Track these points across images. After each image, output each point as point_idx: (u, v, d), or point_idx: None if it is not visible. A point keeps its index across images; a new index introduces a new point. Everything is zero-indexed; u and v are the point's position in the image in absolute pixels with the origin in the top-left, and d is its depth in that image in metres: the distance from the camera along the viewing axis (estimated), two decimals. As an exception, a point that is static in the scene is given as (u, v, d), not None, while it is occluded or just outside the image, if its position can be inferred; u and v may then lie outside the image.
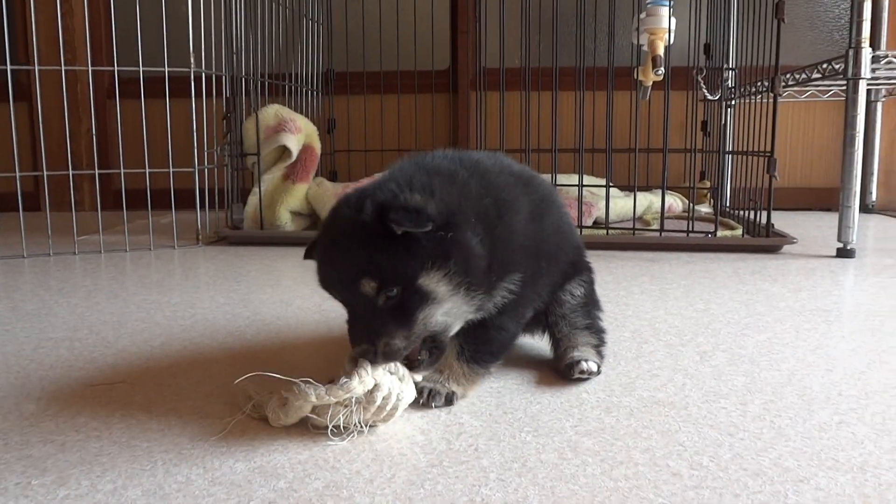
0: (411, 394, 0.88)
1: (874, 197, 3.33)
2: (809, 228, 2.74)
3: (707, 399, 0.98)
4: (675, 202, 2.89)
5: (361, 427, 0.84)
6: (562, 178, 2.45)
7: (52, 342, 1.28)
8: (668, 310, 1.48)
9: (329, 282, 0.90)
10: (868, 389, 1.01)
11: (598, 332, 1.12)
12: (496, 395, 0.99)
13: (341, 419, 0.83)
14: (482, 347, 0.97)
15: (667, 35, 2.06)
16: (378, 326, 0.84)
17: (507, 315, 0.96)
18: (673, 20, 2.08)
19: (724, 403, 0.96)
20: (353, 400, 0.83)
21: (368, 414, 0.84)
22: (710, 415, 0.92)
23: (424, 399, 0.94)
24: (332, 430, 0.84)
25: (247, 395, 0.91)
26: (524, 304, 0.99)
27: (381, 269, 0.83)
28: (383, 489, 0.73)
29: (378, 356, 0.84)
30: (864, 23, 2.03)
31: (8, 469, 0.78)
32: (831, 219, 3.05)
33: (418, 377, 0.91)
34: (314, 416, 0.84)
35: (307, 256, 0.97)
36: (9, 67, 2.10)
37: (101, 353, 1.21)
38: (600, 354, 1.09)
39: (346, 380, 0.82)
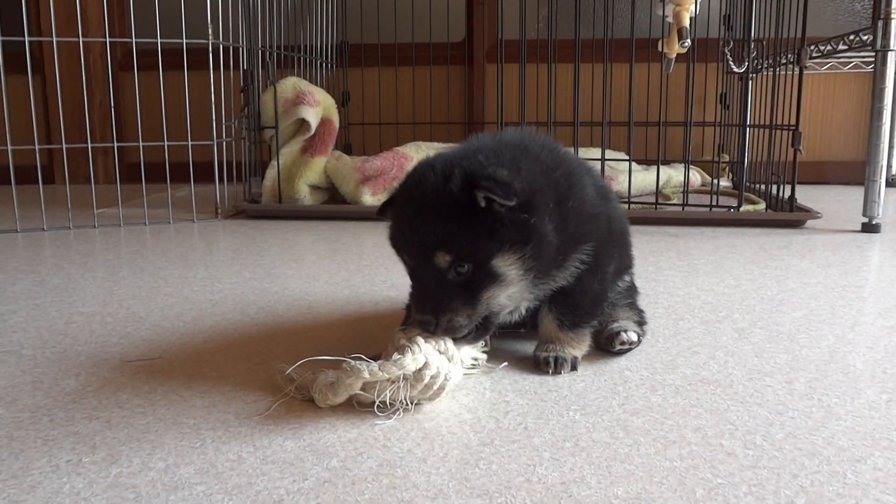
0: (458, 374, 0.88)
1: (894, 171, 3.29)
2: (830, 203, 2.72)
3: (751, 377, 0.97)
4: (695, 176, 2.86)
5: (407, 404, 0.84)
6: (581, 152, 2.43)
7: (84, 317, 1.28)
8: (699, 286, 1.47)
9: (403, 245, 0.89)
10: (912, 367, 1.00)
11: (638, 311, 1.13)
12: (539, 373, 0.98)
13: (388, 395, 0.82)
14: (577, 311, 0.98)
15: (693, 6, 2.02)
16: (445, 301, 0.85)
17: (586, 279, 0.96)
18: (700, -9, 2.04)
19: (769, 381, 0.95)
20: (402, 377, 0.82)
21: (415, 391, 0.83)
22: (757, 393, 0.91)
23: (553, 368, 0.97)
24: (378, 407, 0.84)
25: (288, 377, 0.90)
26: (604, 264, 0.99)
27: (459, 243, 0.83)
28: (437, 468, 0.72)
29: (439, 329, 0.85)
30: (894, -7, 1.99)
31: (57, 446, 0.78)
32: (851, 193, 3.03)
33: (466, 356, 0.91)
34: (361, 392, 0.83)
35: (380, 213, 0.94)
36: (27, 39, 2.08)
37: (134, 328, 1.20)
38: (641, 327, 1.09)
39: (399, 356, 0.81)
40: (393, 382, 0.82)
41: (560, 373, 0.97)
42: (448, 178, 0.84)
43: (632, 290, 1.15)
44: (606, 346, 1.05)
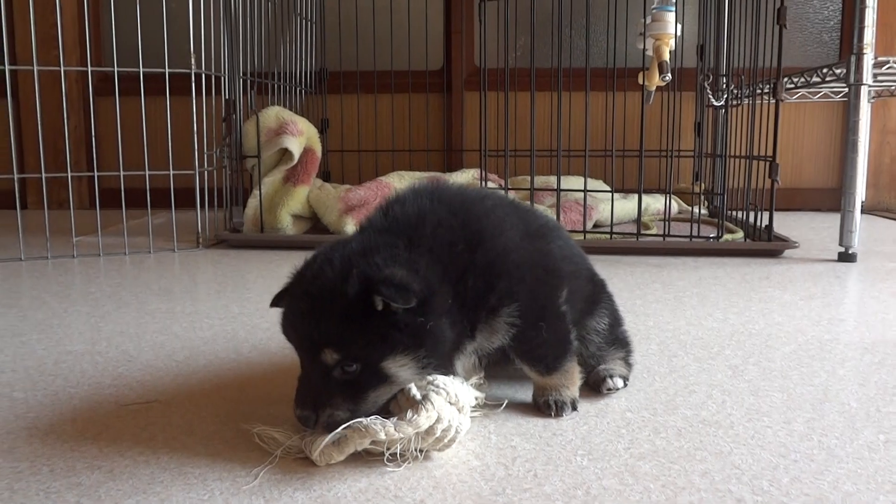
0: (467, 423, 0.87)
1: (863, 197, 3.37)
2: (804, 230, 2.77)
3: (750, 417, 0.98)
4: (672, 204, 2.90)
5: (417, 454, 0.83)
6: (563, 181, 2.45)
7: (73, 356, 1.25)
8: (688, 320, 1.48)
9: (293, 337, 0.88)
10: (904, 405, 1.02)
11: (623, 344, 1.13)
12: (542, 416, 0.98)
13: (398, 448, 0.82)
14: (545, 357, 0.97)
15: (672, 40, 2.07)
16: (326, 397, 0.83)
17: (529, 333, 0.94)
18: (678, 26, 2.08)
19: (768, 422, 0.97)
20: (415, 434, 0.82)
21: (426, 444, 0.83)
22: (758, 434, 0.93)
23: (554, 411, 0.98)
24: (387, 456, 0.83)
25: (272, 438, 0.87)
26: (545, 312, 0.96)
27: (348, 344, 0.81)
28: (453, 520, 0.72)
29: (318, 426, 0.83)
30: (866, 29, 2.05)
31: (61, 499, 0.77)
32: (823, 220, 3.10)
33: (470, 398, 0.90)
34: (371, 447, 0.83)
35: (275, 304, 0.93)
36: (7, 68, 2.05)
37: (127, 369, 1.19)
38: (628, 364, 1.11)
39: (413, 415, 0.81)
40: (403, 435, 0.82)
41: (562, 416, 0.98)
42: (345, 278, 0.82)
43: (614, 325, 1.12)
44: (595, 388, 1.06)
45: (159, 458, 0.86)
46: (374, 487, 0.79)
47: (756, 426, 0.95)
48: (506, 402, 1.01)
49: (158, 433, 0.93)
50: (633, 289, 1.77)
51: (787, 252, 2.25)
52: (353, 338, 0.81)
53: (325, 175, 3.25)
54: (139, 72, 2.18)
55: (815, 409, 1.01)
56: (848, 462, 0.85)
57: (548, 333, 0.96)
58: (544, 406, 0.99)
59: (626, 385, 1.08)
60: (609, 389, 1.05)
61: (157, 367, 1.20)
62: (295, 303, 0.87)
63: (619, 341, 1.12)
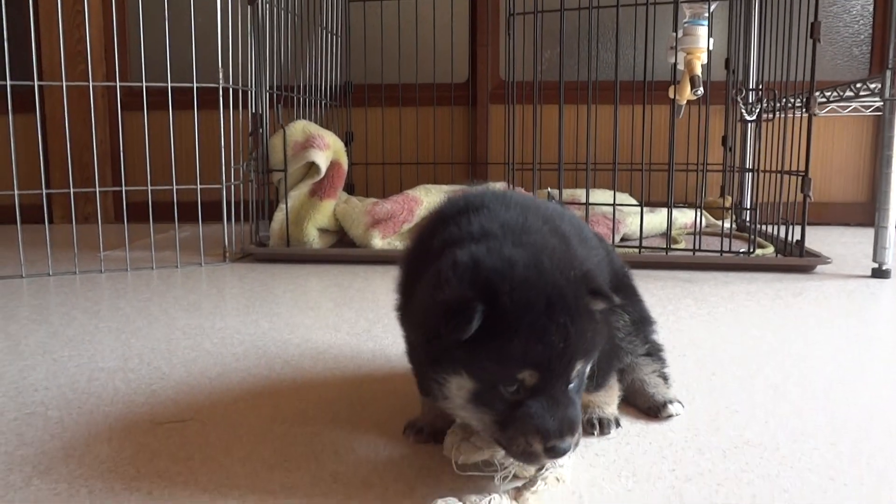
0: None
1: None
2: (835, 245, 2.73)
3: (795, 439, 0.96)
4: (701, 218, 2.87)
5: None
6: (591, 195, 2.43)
7: (105, 373, 1.25)
8: (723, 337, 1.46)
9: (543, 357, 0.72)
10: (954, 427, 1.00)
11: (658, 356, 1.09)
12: (585, 435, 0.97)
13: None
14: (599, 372, 0.94)
15: (703, 54, 2.05)
16: (574, 414, 0.73)
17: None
18: (711, 40, 2.06)
19: (814, 443, 0.94)
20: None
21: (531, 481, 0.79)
22: (804, 457, 0.90)
23: (599, 430, 0.96)
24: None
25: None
26: (609, 320, 0.94)
27: (591, 352, 0.77)
28: (499, 545, 0.70)
29: (572, 451, 0.74)
30: (901, 42, 2.03)
31: (100, 521, 0.76)
32: (853, 235, 3.05)
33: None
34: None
35: (468, 320, 0.70)
36: (36, 83, 2.07)
37: (160, 386, 1.18)
38: (664, 377, 1.08)
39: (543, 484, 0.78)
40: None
41: (608, 433, 0.96)
42: (574, 280, 0.75)
43: (643, 324, 1.09)
44: (651, 414, 1.04)
45: (198, 478, 0.85)
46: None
47: (802, 448, 0.93)
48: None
49: (195, 453, 0.93)
50: (665, 304, 1.74)
51: (819, 268, 2.21)
52: (594, 345, 0.77)
53: (350, 188, 3.25)
54: (167, 86, 2.19)
55: (861, 430, 0.99)
56: (901, 487, 0.82)
57: (607, 344, 0.90)
58: (589, 426, 0.96)
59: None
60: (670, 416, 1.02)
61: (190, 385, 1.19)
62: (543, 315, 0.72)
63: (652, 349, 1.09)
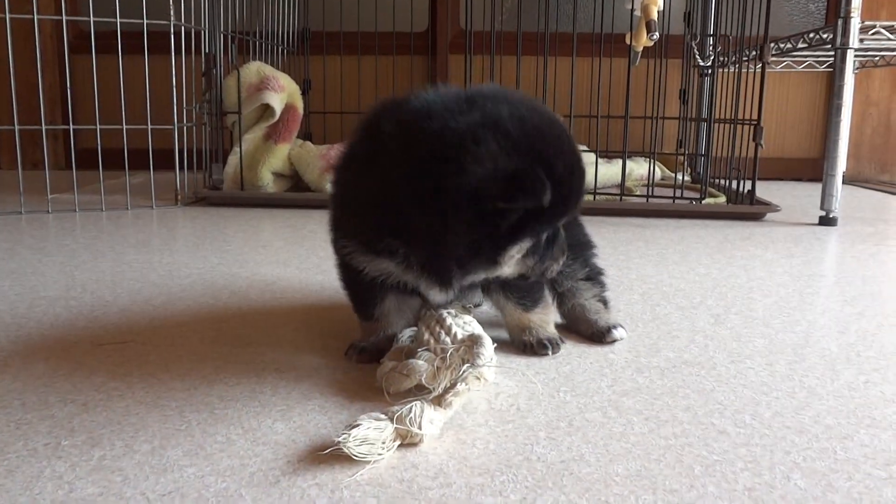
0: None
1: (844, 167, 3.39)
2: (786, 197, 2.78)
3: (733, 360, 0.98)
4: (656, 170, 2.89)
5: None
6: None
7: (46, 301, 1.23)
8: (670, 274, 1.48)
9: (575, 199, 0.84)
10: (884, 351, 1.03)
11: (598, 280, 1.09)
12: (524, 356, 0.98)
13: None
14: (533, 288, 0.97)
15: (660, 0, 2.04)
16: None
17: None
18: (667, -16, 2.06)
19: (750, 364, 0.97)
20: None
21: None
22: (740, 374, 0.92)
23: (550, 350, 0.97)
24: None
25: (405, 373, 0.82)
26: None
27: None
28: (435, 449, 0.71)
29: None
30: (854, -8, 2.04)
31: (32, 430, 0.75)
32: (804, 188, 3.11)
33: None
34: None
35: (541, 185, 0.76)
36: (-22, 15, 1.99)
37: (103, 313, 1.16)
38: (604, 301, 1.08)
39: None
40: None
41: (558, 351, 0.98)
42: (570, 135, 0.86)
43: (577, 246, 1.08)
44: (595, 339, 1.04)
45: (135, 392, 0.84)
46: (355, 418, 0.77)
47: (739, 367, 0.95)
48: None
49: (134, 370, 0.91)
50: (617, 245, 1.76)
51: (769, 216, 2.25)
52: None
53: (307, 136, 3.21)
54: (116, 22, 2.12)
55: (796, 353, 1.01)
56: (829, 399, 0.85)
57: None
58: (535, 346, 0.97)
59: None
60: (614, 341, 1.04)
61: (133, 312, 1.17)
62: (571, 157, 0.82)
63: (591, 273, 1.08)
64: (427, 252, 0.80)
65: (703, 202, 2.25)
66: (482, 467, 0.67)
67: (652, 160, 2.29)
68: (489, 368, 0.80)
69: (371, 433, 0.69)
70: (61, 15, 2.10)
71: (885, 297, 1.33)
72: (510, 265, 0.83)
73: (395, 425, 0.70)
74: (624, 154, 2.29)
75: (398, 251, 0.81)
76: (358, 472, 0.66)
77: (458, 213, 0.75)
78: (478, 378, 0.78)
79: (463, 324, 0.87)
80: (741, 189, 2.28)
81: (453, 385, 0.76)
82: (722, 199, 2.35)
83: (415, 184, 0.76)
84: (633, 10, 2.13)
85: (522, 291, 0.95)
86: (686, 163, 3.06)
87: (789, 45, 2.37)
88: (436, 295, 0.86)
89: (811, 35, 2.21)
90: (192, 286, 1.34)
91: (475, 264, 0.80)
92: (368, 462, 0.67)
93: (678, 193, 2.23)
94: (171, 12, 2.19)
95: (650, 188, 2.28)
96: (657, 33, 1.98)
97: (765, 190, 2.86)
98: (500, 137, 0.75)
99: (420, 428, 0.71)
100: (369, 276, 0.87)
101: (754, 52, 2.21)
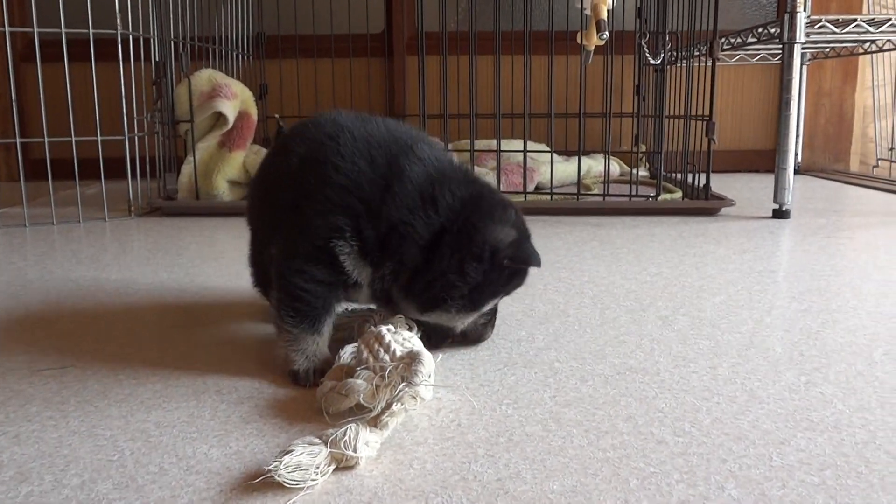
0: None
1: (799, 158, 3.44)
2: (742, 190, 2.81)
3: (677, 364, 0.98)
4: (614, 166, 2.91)
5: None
6: (503, 144, 2.43)
7: (-13, 325, 1.20)
8: (623, 275, 1.49)
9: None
10: (826, 349, 1.04)
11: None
12: (469, 368, 0.97)
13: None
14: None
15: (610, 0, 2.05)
16: None
17: None
18: (616, -17, 2.07)
19: (694, 367, 0.97)
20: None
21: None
22: (683, 380, 0.93)
23: (487, 332, 1.05)
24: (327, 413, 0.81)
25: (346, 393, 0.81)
26: None
27: None
28: (371, 471, 0.70)
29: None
30: (799, -12, 2.07)
31: (-41, 466, 0.73)
32: (761, 180, 3.15)
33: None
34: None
35: (537, 255, 0.96)
36: (-86, 29, 1.94)
37: (44, 335, 1.14)
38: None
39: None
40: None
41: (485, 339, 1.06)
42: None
43: None
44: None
45: (69, 421, 0.83)
46: (292, 441, 0.76)
47: (682, 372, 0.96)
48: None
49: (71, 398, 0.90)
50: (571, 246, 1.76)
51: (724, 210, 2.27)
52: None
53: (266, 141, 3.18)
54: (61, 32, 2.08)
55: (740, 354, 1.02)
56: (769, 403, 0.86)
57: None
58: (483, 328, 1.04)
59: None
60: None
61: (76, 334, 1.15)
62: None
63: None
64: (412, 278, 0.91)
65: (659, 198, 2.27)
66: (417, 489, 0.67)
67: (607, 157, 2.30)
68: (426, 387, 0.79)
69: (304, 458, 0.68)
70: (4, 27, 2.06)
71: (831, 293, 1.34)
72: (471, 318, 0.97)
73: (329, 449, 0.70)
74: (580, 152, 2.30)
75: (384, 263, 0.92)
76: (290, 500, 0.65)
77: (480, 262, 0.89)
78: (413, 397, 0.77)
79: (402, 340, 0.87)
80: (696, 183, 2.30)
81: (389, 405, 0.75)
82: (678, 194, 2.37)
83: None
84: (583, 9, 2.13)
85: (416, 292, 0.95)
86: (644, 158, 3.08)
87: (739, 40, 2.39)
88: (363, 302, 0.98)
89: (759, 30, 2.24)
90: (139, 304, 1.32)
91: (451, 306, 0.92)
92: (301, 489, 0.66)
93: (634, 190, 2.24)
94: (118, 20, 2.16)
95: (606, 185, 2.29)
96: (607, 32, 1.99)
97: (722, 182, 2.90)
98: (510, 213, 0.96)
99: (355, 451, 0.70)
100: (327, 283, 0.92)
101: (705, 48, 2.23)
